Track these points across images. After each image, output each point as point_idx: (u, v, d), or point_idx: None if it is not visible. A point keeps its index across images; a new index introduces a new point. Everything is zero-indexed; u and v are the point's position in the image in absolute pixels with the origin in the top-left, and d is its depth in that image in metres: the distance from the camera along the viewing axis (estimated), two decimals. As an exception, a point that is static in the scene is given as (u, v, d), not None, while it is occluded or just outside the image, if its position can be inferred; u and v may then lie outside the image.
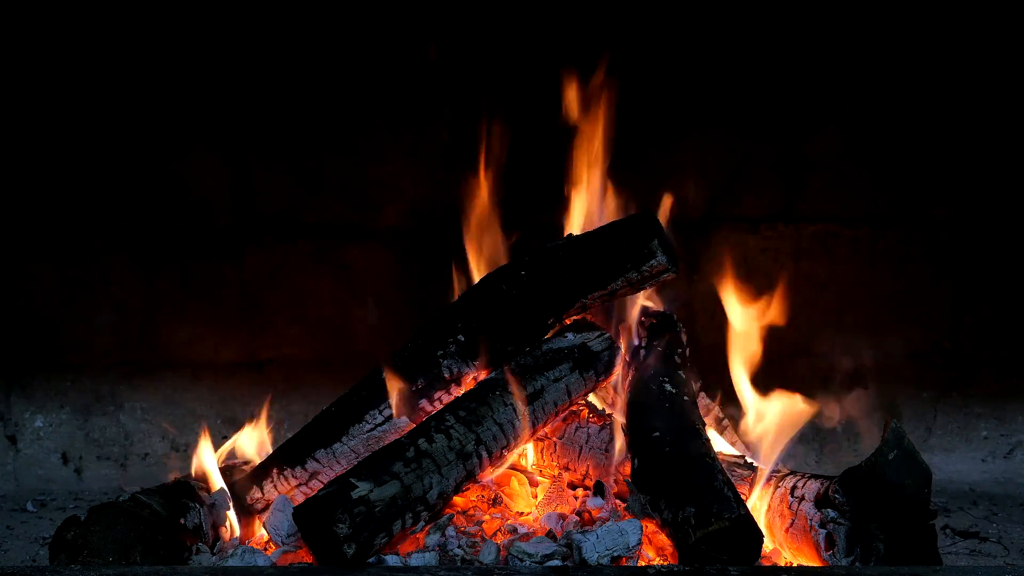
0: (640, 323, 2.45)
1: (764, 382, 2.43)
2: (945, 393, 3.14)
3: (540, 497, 2.21)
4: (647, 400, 2.19)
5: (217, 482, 2.15)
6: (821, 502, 1.91)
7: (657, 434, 2.05)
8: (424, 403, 2.20)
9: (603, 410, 2.33)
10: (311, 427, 2.26)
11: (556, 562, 1.86)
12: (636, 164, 2.61)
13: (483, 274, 2.38)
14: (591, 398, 2.34)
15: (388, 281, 3.05)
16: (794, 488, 2.01)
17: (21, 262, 3.01)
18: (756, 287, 2.54)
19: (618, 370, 2.29)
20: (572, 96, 2.54)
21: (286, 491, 2.18)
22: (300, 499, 2.09)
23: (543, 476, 2.30)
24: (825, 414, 3.11)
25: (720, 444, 2.38)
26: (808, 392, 2.60)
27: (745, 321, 2.43)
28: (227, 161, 3.02)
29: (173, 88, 2.97)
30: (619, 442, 2.21)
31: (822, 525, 1.88)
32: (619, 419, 2.25)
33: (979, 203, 3.07)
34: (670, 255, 2.16)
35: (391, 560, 1.86)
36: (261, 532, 2.15)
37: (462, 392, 2.19)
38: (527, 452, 2.32)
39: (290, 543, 2.01)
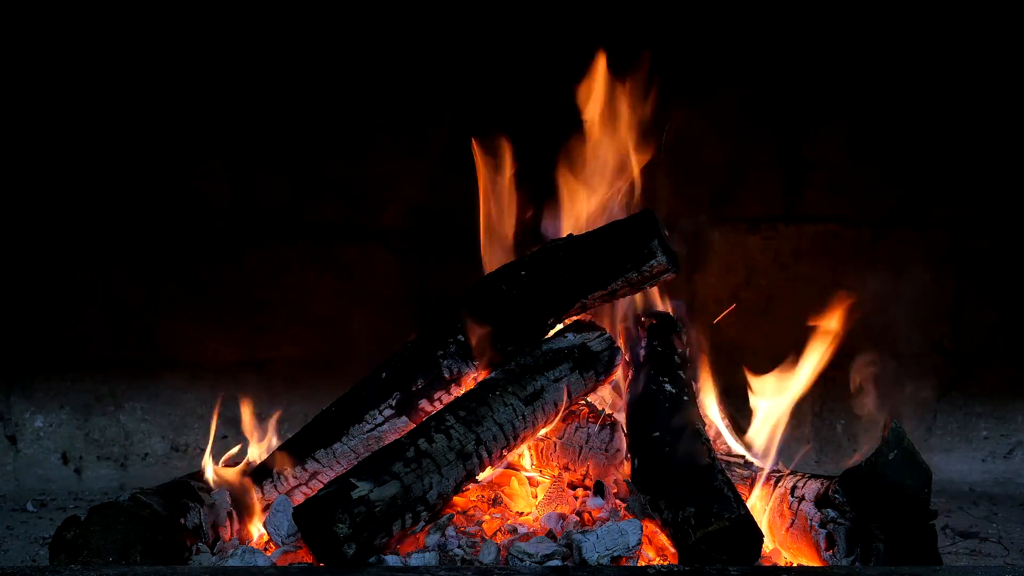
0: (640, 323, 2.45)
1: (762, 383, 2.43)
2: (945, 393, 3.14)
3: (540, 497, 2.21)
4: (647, 400, 2.18)
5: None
6: (821, 502, 1.91)
7: (657, 434, 2.05)
8: (424, 403, 2.20)
9: (603, 410, 2.33)
10: (311, 427, 2.26)
11: (556, 562, 1.86)
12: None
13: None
14: (591, 398, 2.34)
15: (388, 281, 3.05)
16: (794, 488, 2.01)
17: (22, 262, 3.01)
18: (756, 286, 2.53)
19: (618, 370, 2.29)
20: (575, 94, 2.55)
21: (286, 491, 2.18)
22: (300, 499, 2.09)
23: (543, 476, 2.30)
24: (824, 414, 3.12)
25: (720, 444, 2.38)
26: (807, 392, 2.60)
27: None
28: (227, 161, 3.02)
29: (173, 89, 2.97)
30: (619, 442, 2.21)
31: (822, 525, 1.88)
32: (619, 419, 2.25)
33: (979, 203, 3.07)
34: (670, 255, 2.15)
35: (391, 560, 1.86)
36: (261, 532, 2.15)
37: (462, 392, 2.19)
38: (527, 452, 2.32)
39: (290, 543, 2.00)
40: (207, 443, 2.31)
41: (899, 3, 2.97)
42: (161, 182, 3.02)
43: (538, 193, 2.56)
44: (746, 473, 2.16)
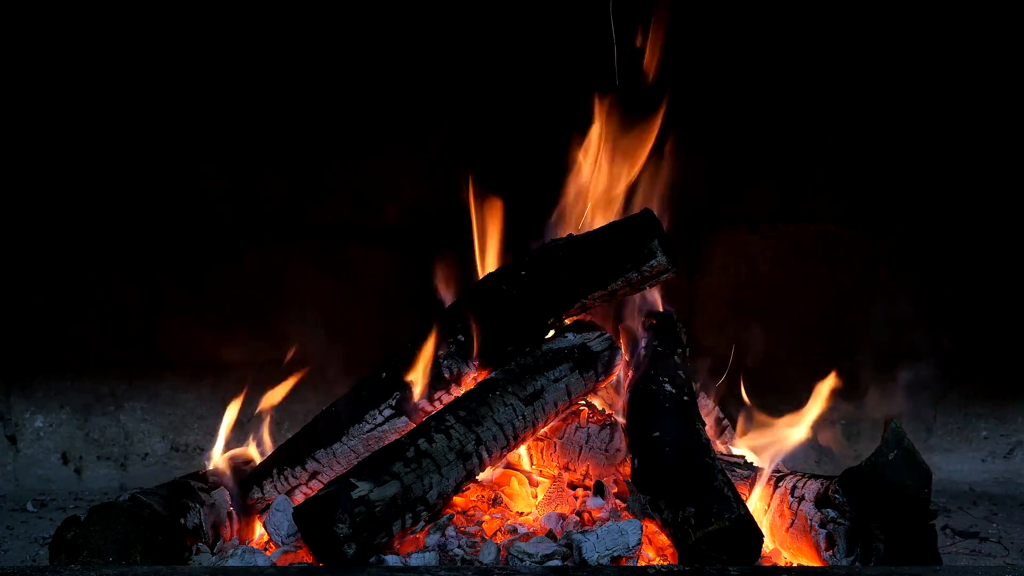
0: (640, 323, 2.45)
1: (764, 383, 2.43)
2: (945, 393, 3.14)
3: (540, 497, 2.21)
4: (647, 400, 2.18)
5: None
6: (821, 502, 1.91)
7: (657, 434, 2.05)
8: (424, 403, 2.20)
9: (603, 410, 2.33)
10: (311, 427, 2.26)
11: (556, 562, 1.86)
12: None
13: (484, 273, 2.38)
14: (591, 398, 2.34)
15: (388, 281, 3.05)
16: (794, 488, 2.01)
17: (21, 262, 3.01)
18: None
19: (618, 370, 2.29)
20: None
21: (286, 491, 2.18)
22: (300, 499, 2.09)
23: (543, 476, 2.30)
24: (825, 414, 3.11)
25: (720, 444, 2.38)
26: (807, 392, 2.59)
27: None
28: (228, 161, 3.02)
29: (174, 89, 2.97)
30: (619, 442, 2.21)
31: (822, 525, 1.88)
32: (619, 419, 2.25)
33: (979, 204, 3.07)
34: (670, 255, 2.15)
35: (391, 560, 1.86)
36: (261, 532, 2.15)
37: (462, 392, 2.19)
38: (527, 452, 2.32)
39: (290, 543, 2.01)
40: (208, 443, 2.32)
41: (899, 6, 2.97)
42: (162, 182, 3.02)
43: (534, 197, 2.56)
44: (746, 473, 2.16)
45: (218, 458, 2.24)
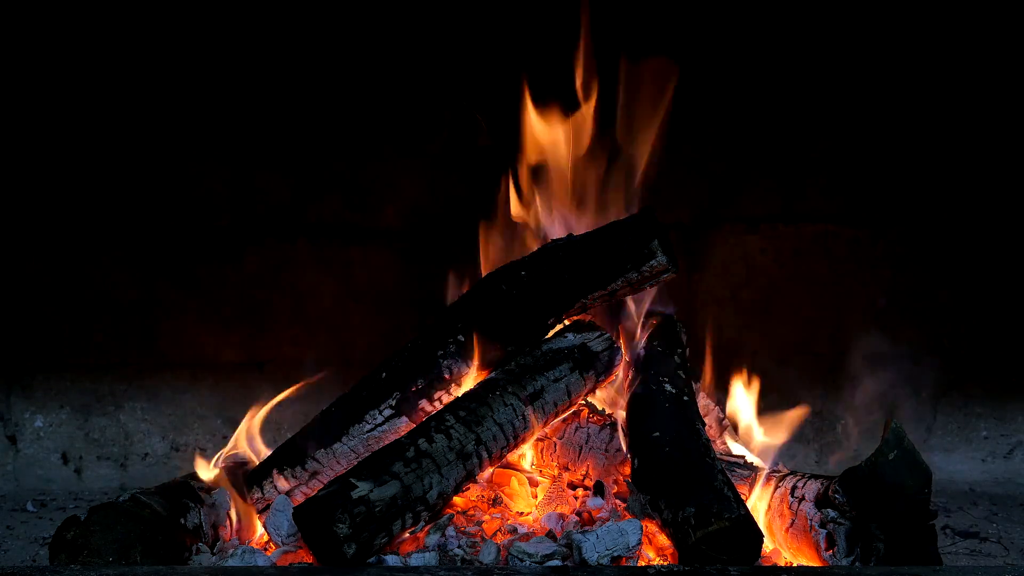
0: (640, 323, 2.45)
1: (764, 383, 2.43)
2: (945, 393, 3.14)
3: (540, 497, 2.21)
4: (647, 400, 2.18)
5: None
6: (821, 502, 1.91)
7: (657, 434, 2.05)
8: (424, 403, 2.20)
9: (603, 410, 2.33)
10: (311, 427, 2.26)
11: (556, 562, 1.86)
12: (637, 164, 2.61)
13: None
14: (591, 398, 2.34)
15: (388, 281, 3.05)
16: (794, 488, 2.01)
17: (22, 262, 3.01)
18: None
19: (618, 370, 2.29)
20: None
21: (286, 491, 2.18)
22: (300, 499, 2.09)
23: (543, 476, 2.30)
24: (825, 414, 3.12)
25: (720, 444, 2.38)
26: (807, 392, 2.60)
27: None
28: (227, 161, 3.03)
29: (173, 88, 2.97)
30: (619, 442, 2.21)
31: (822, 525, 1.88)
32: (619, 419, 2.25)
33: (979, 204, 3.07)
34: (670, 255, 2.15)
35: (391, 560, 1.86)
36: (261, 532, 2.15)
37: (462, 392, 2.19)
38: (527, 452, 2.32)
39: (290, 543, 2.00)
40: (208, 443, 2.32)
41: (898, 6, 2.97)
42: (161, 182, 3.02)
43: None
44: (746, 473, 2.16)
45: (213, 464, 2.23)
